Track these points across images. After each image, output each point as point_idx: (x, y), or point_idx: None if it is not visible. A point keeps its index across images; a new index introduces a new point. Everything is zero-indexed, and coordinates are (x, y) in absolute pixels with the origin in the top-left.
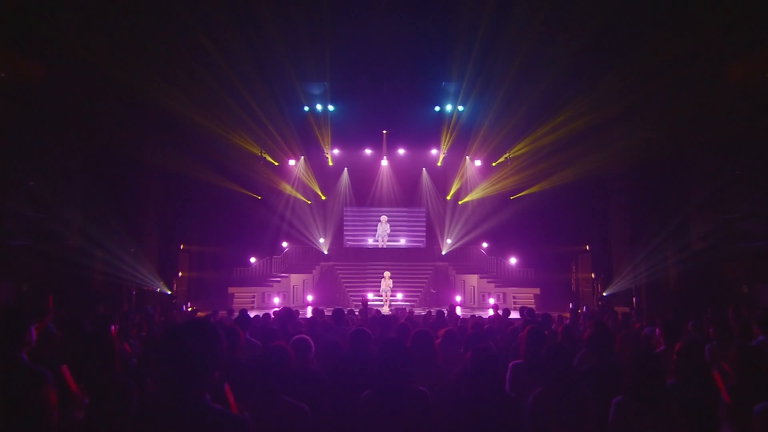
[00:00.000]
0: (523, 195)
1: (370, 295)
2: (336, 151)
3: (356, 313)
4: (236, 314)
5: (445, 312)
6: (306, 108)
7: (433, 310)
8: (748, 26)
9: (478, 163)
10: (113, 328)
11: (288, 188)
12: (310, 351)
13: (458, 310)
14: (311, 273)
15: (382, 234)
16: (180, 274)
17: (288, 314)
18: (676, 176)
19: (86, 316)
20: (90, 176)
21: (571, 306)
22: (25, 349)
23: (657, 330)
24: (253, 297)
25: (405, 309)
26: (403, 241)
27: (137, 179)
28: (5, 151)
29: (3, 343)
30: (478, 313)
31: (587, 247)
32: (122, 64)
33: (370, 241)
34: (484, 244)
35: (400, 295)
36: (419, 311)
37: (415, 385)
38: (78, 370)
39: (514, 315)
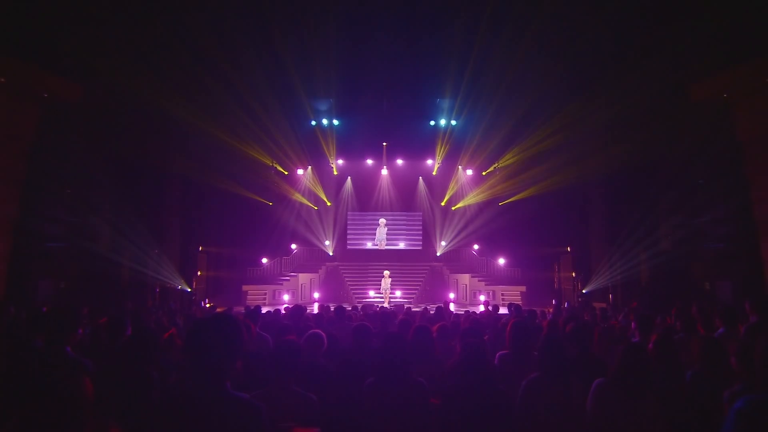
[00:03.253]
0: (510, 201)
1: (371, 293)
2: (340, 162)
3: (359, 309)
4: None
5: (441, 307)
6: (313, 122)
7: (429, 307)
8: (709, 53)
9: (469, 172)
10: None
11: (296, 195)
12: (323, 345)
13: (452, 307)
14: (318, 272)
15: (380, 237)
16: (199, 273)
17: (299, 310)
18: (648, 185)
19: (115, 311)
20: (119, 185)
21: (554, 302)
22: (71, 344)
23: (632, 324)
24: (265, 294)
25: (403, 305)
26: (401, 245)
27: (161, 187)
28: (46, 162)
29: (53, 338)
30: (470, 309)
31: (568, 249)
32: (148, 84)
33: (369, 245)
34: (476, 246)
35: (399, 293)
36: (415, 308)
37: (415, 376)
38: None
39: (503, 311)
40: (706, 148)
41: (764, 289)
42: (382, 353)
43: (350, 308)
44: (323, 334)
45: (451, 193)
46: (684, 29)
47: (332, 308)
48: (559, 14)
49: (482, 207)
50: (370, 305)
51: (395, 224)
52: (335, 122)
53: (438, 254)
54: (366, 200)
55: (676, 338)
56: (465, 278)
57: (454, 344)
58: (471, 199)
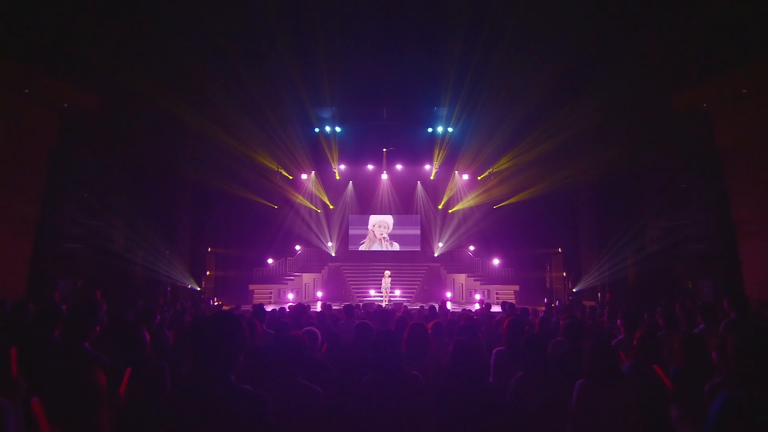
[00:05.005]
0: (504, 204)
1: (372, 292)
2: (342, 167)
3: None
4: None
5: (437, 306)
6: (316, 129)
7: (426, 305)
8: (690, 65)
9: (465, 176)
10: (158, 318)
11: (301, 199)
12: (318, 341)
13: (449, 305)
14: (321, 272)
15: (383, 237)
16: (208, 273)
17: (301, 309)
18: (633, 189)
19: (129, 309)
20: (133, 189)
21: (545, 300)
22: (89, 340)
23: (618, 321)
24: (270, 293)
25: (402, 304)
26: (396, 246)
27: (172, 191)
28: (65, 168)
29: (72, 335)
30: (467, 308)
31: (559, 250)
32: (160, 94)
33: (372, 246)
34: (471, 247)
35: (398, 292)
36: (411, 306)
37: (410, 370)
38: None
39: (496, 309)
40: (687, 154)
41: (742, 288)
42: (375, 350)
43: (355, 306)
44: (317, 331)
45: (448, 197)
46: (666, 43)
47: (337, 307)
48: (550, 28)
49: (478, 210)
50: (371, 304)
51: (394, 226)
52: (337, 129)
53: (435, 255)
54: (367, 203)
55: (659, 335)
56: (461, 278)
57: (448, 341)
58: (467, 202)
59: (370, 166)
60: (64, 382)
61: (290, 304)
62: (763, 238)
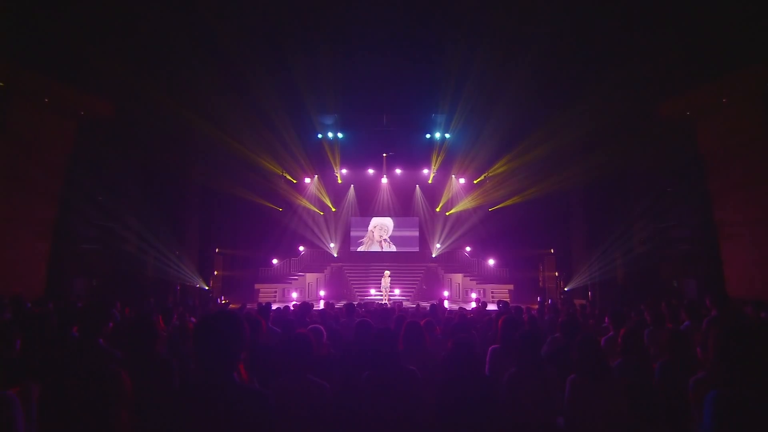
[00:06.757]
0: (499, 207)
1: (372, 291)
2: (344, 171)
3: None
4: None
5: (435, 304)
6: (319, 135)
7: (423, 304)
8: (675, 75)
9: (462, 180)
10: (175, 317)
11: (304, 201)
12: (322, 338)
13: (446, 304)
14: (323, 272)
15: (384, 237)
16: (215, 272)
17: (306, 307)
18: (622, 193)
19: (142, 307)
20: (145, 192)
21: (538, 299)
22: (102, 336)
23: (606, 319)
24: (275, 292)
25: (401, 303)
26: (393, 247)
27: (182, 194)
28: (81, 172)
29: (86, 331)
30: (463, 306)
31: (552, 251)
32: (171, 102)
33: (365, 246)
34: (468, 248)
35: (397, 291)
36: (408, 305)
37: (406, 365)
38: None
39: (492, 307)
40: (672, 159)
41: (724, 286)
42: (374, 347)
43: (356, 304)
44: (322, 328)
45: (445, 200)
46: (653, 54)
47: (341, 305)
48: (542, 39)
49: (474, 212)
50: (371, 302)
51: (394, 228)
52: (339, 135)
53: (433, 255)
54: (367, 206)
55: (646, 331)
56: (458, 277)
57: (443, 337)
58: (463, 205)
59: (370, 171)
60: (90, 385)
61: (294, 302)
62: (744, 240)
